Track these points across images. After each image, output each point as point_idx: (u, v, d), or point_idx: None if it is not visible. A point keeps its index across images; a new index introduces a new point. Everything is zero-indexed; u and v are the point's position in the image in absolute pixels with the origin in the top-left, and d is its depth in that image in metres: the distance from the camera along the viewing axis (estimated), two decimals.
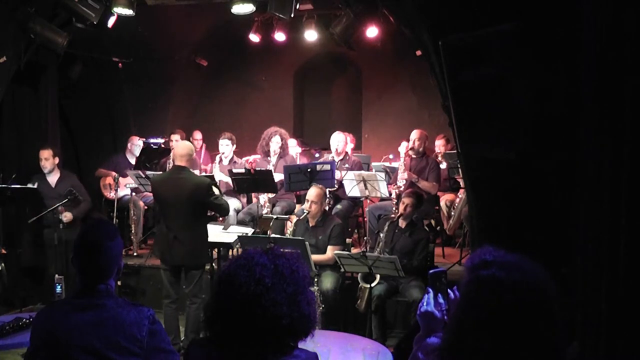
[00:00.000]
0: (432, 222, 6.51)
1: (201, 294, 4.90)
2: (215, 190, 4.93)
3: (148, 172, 6.35)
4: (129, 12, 5.72)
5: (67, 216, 5.81)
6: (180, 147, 4.98)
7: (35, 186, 5.78)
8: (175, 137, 7.45)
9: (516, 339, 1.38)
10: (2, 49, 5.59)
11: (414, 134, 6.42)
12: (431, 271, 1.90)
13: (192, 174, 4.95)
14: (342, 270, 5.00)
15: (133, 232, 6.74)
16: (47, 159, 5.93)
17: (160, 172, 5.93)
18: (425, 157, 6.42)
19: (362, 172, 6.21)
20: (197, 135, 8.20)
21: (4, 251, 6.01)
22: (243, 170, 5.88)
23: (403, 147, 6.79)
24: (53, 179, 6.02)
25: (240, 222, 6.12)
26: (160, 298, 5.17)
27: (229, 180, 6.20)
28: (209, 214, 5.27)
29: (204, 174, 6.56)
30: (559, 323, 1.42)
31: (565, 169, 3.53)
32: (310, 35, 7.45)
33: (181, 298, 4.98)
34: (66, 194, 5.63)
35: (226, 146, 6.72)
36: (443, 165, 6.76)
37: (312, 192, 5.22)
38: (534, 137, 3.60)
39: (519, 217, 3.74)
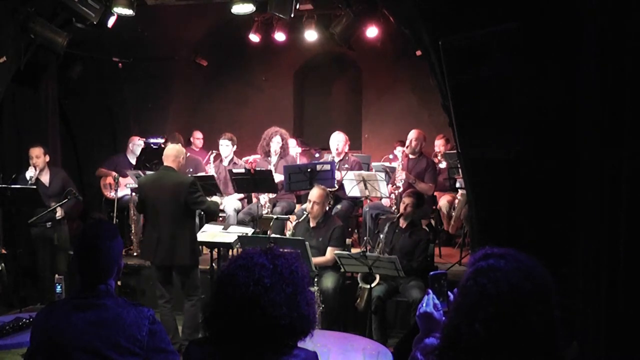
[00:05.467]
0: (432, 222, 6.51)
1: (197, 291, 4.87)
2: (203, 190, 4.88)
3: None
4: (129, 12, 5.72)
5: (59, 212, 5.81)
6: (169, 148, 4.97)
7: (29, 178, 5.75)
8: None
9: (511, 328, 1.39)
10: (2, 49, 5.58)
11: (412, 134, 6.41)
12: (431, 273, 1.90)
13: (176, 174, 4.87)
14: (342, 270, 5.00)
15: (133, 232, 6.74)
16: (39, 157, 5.82)
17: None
18: (423, 157, 6.38)
19: (362, 172, 6.19)
20: (198, 134, 8.20)
21: (4, 251, 6.00)
22: (243, 171, 5.88)
23: (398, 152, 6.81)
24: (46, 178, 5.95)
25: (240, 222, 6.12)
26: None
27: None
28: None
29: (203, 173, 6.56)
30: (556, 316, 1.43)
31: (565, 169, 3.54)
32: (310, 35, 7.45)
33: (176, 297, 4.97)
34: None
35: (226, 147, 6.71)
36: (443, 165, 6.76)
37: (315, 193, 5.18)
38: (533, 138, 3.60)
39: (519, 217, 3.74)
